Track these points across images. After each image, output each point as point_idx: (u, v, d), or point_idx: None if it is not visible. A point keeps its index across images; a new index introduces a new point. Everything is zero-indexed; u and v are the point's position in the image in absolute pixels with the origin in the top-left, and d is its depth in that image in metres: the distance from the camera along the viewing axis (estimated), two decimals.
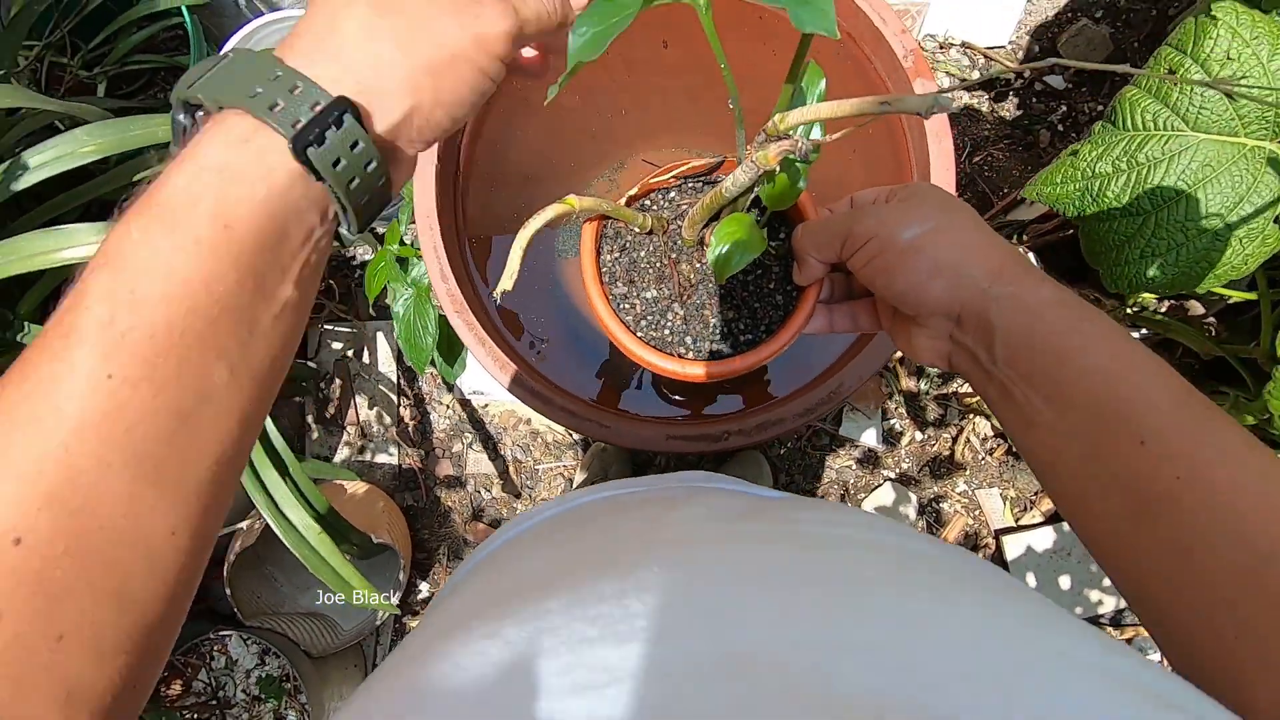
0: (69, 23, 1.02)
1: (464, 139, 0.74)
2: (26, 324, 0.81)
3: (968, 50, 1.29)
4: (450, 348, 0.93)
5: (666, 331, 0.48)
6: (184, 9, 1.04)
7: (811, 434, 1.25)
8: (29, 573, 0.20)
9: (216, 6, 1.14)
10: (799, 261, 0.43)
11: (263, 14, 1.13)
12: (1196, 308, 0.87)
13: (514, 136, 0.81)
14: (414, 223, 1.09)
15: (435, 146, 0.70)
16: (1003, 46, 1.29)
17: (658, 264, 0.48)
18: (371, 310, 1.30)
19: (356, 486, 1.16)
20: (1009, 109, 1.30)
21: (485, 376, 1.26)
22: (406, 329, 0.85)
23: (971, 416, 1.23)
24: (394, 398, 1.27)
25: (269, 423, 0.83)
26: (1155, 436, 0.29)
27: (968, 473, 1.23)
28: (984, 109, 1.30)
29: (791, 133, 0.35)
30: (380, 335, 1.28)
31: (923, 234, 0.35)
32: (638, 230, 0.49)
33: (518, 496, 1.27)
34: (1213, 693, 0.19)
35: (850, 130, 0.37)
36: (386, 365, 1.28)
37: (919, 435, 1.24)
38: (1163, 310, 0.86)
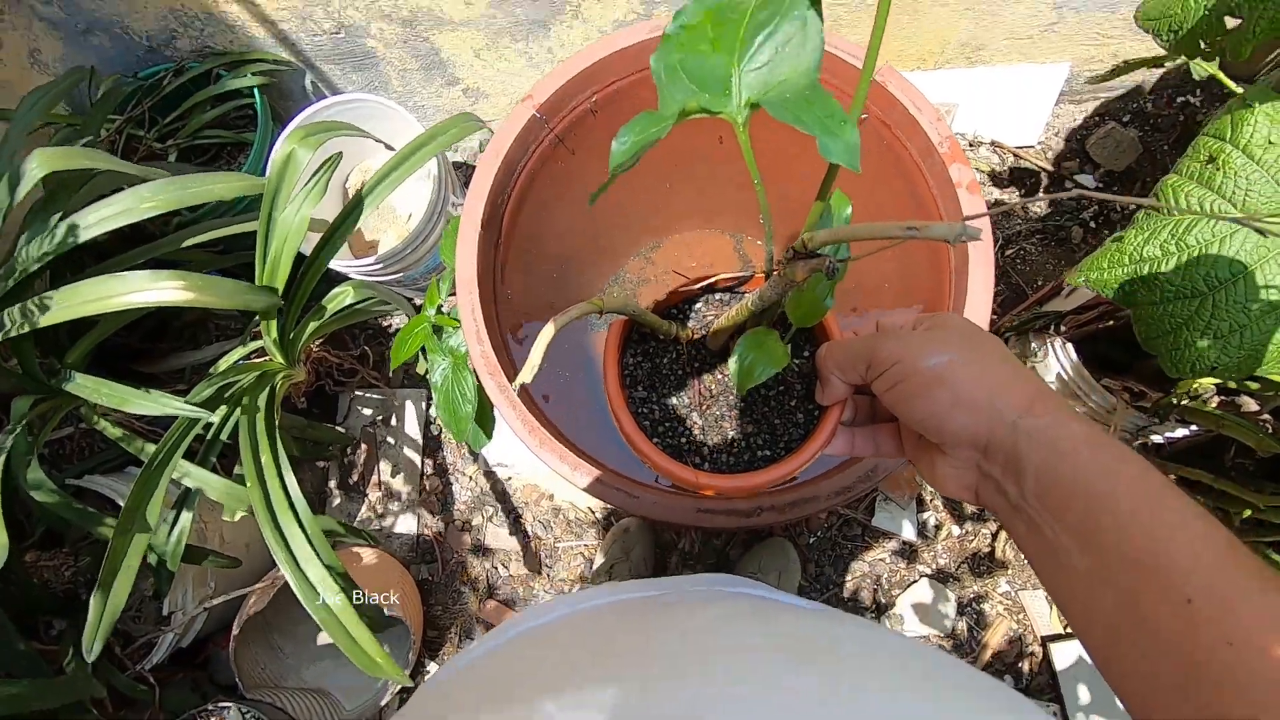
0: (151, 99, 1.10)
1: (507, 209, 0.76)
2: (73, 373, 0.83)
3: (997, 149, 1.33)
4: (482, 415, 0.92)
5: (683, 440, 0.47)
6: (255, 90, 1.12)
7: (843, 523, 1.20)
8: None
9: (284, 89, 1.23)
10: (822, 380, 0.43)
11: (325, 97, 1.21)
12: (1250, 404, 0.84)
13: (554, 214, 0.84)
14: (453, 294, 1.11)
15: (480, 215, 0.72)
16: (1031, 146, 1.33)
17: (680, 372, 0.48)
18: (403, 378, 1.31)
19: (372, 555, 1.14)
20: (1040, 205, 1.31)
21: (510, 448, 1.25)
22: (445, 398, 0.85)
23: None
24: (418, 465, 1.26)
25: (291, 478, 0.82)
26: (1203, 595, 0.27)
27: (1010, 572, 1.16)
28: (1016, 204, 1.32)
29: (820, 251, 0.35)
30: (409, 403, 1.29)
31: (948, 363, 0.35)
32: (663, 336, 0.48)
33: (537, 573, 1.22)
34: None
35: (877, 250, 0.37)
36: (413, 433, 1.28)
37: (956, 530, 1.19)
38: (1212, 404, 0.83)
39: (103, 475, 1.00)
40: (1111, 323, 0.98)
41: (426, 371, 0.91)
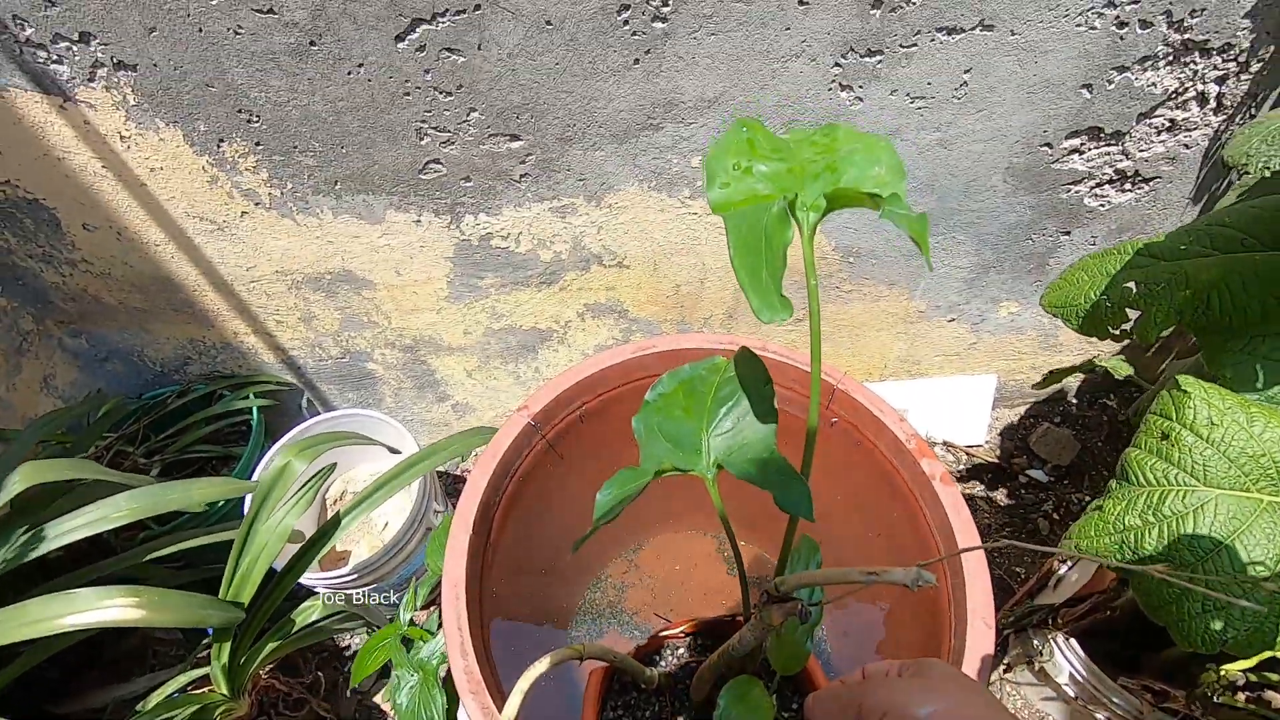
0: (149, 418, 1.15)
1: (498, 511, 0.77)
2: None
3: (950, 448, 1.43)
4: None
5: None
6: (254, 409, 1.19)
7: None
8: None
9: (283, 408, 1.30)
10: None
11: (319, 412, 1.27)
12: (1277, 698, 0.79)
13: (542, 518, 0.84)
14: (428, 605, 1.05)
15: (472, 519, 0.72)
16: (980, 445, 1.43)
17: None
18: (355, 710, 1.16)
19: None
20: (1002, 497, 1.37)
21: None
22: None
23: None
24: None
25: None
26: None
27: None
28: (979, 496, 1.37)
29: (793, 595, 0.37)
30: None
31: (937, 712, 0.35)
32: (644, 685, 0.48)
33: None
34: None
35: (845, 596, 0.39)
36: None
37: None
38: (1241, 699, 0.78)
39: None
40: (1109, 613, 0.96)
41: (389, 698, 0.81)
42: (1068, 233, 1.05)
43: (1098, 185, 0.98)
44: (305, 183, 0.92)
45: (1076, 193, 0.99)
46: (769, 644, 0.43)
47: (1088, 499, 1.37)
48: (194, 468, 1.20)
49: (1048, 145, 0.92)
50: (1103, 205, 1.01)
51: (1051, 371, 0.97)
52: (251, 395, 1.18)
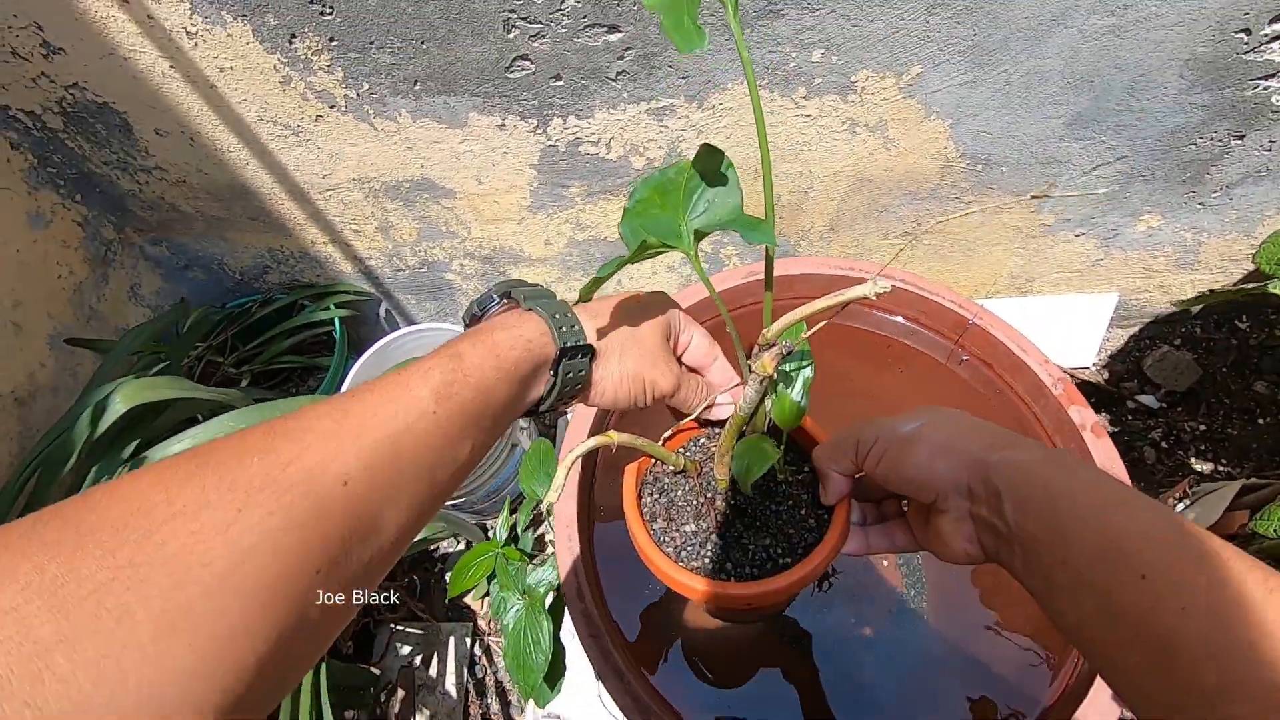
0: (235, 328, 1.14)
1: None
2: None
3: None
4: (554, 667, 0.83)
5: (707, 560, 0.49)
6: (336, 320, 1.17)
7: None
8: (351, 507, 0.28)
9: (362, 318, 1.28)
10: (822, 479, 0.48)
11: (400, 327, 1.25)
12: None
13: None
14: (519, 516, 1.06)
15: (576, 475, 0.69)
16: (1087, 368, 1.34)
17: (695, 501, 0.52)
18: (446, 610, 1.21)
19: None
20: (1104, 424, 1.29)
21: (569, 698, 1.11)
22: (516, 645, 0.77)
23: None
24: (459, 714, 1.12)
25: None
26: (1154, 569, 0.29)
27: None
28: None
29: (779, 340, 0.41)
30: (452, 640, 1.18)
31: (920, 426, 0.41)
32: (673, 470, 0.53)
33: None
34: None
35: (823, 325, 0.44)
36: (455, 675, 1.15)
37: None
38: None
39: None
40: None
41: (491, 605, 0.83)
42: (1241, 137, 0.91)
43: None
44: (383, 83, 0.84)
45: (1265, 90, 0.84)
46: (771, 406, 0.48)
47: (1202, 428, 1.28)
48: (281, 377, 1.21)
49: (1245, 31, 0.77)
50: None
51: (1211, 291, 0.86)
52: (332, 306, 1.16)
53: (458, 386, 0.35)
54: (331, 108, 0.88)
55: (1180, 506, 1.07)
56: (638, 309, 0.46)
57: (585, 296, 0.40)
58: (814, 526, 0.50)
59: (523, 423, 1.13)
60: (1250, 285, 0.84)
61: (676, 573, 0.48)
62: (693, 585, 0.47)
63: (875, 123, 0.89)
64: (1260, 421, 1.23)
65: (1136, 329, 1.35)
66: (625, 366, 0.44)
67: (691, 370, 0.51)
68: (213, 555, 0.23)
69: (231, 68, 0.83)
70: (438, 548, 1.27)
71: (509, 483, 1.14)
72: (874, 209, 1.04)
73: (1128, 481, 0.66)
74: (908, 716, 0.67)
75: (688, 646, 0.71)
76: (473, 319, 0.44)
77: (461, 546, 1.27)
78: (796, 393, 0.50)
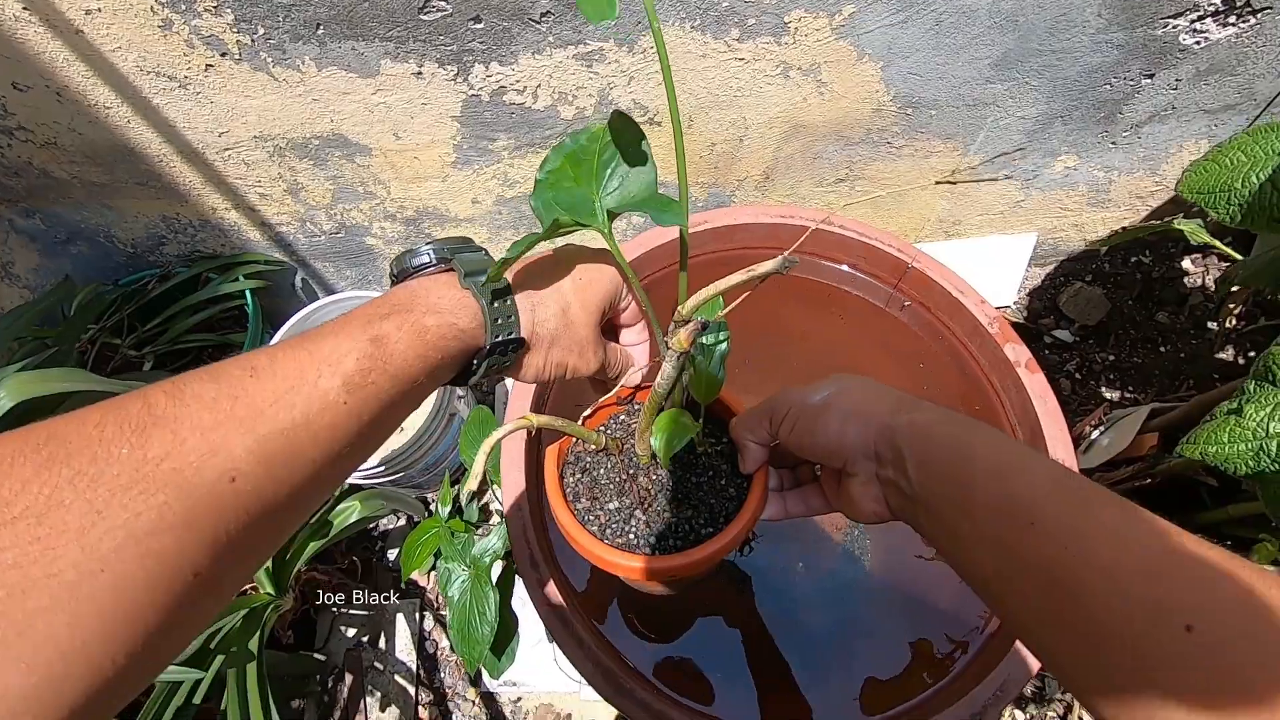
0: (131, 306, 1.04)
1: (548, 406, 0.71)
2: None
3: None
4: (501, 638, 0.81)
5: (632, 536, 0.50)
6: (248, 292, 1.08)
7: None
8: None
9: (275, 289, 1.19)
10: (740, 449, 0.49)
11: (319, 297, 1.17)
12: None
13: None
14: (465, 485, 1.03)
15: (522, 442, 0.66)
16: (1007, 306, 1.39)
17: (618, 479, 0.52)
18: (394, 590, 1.17)
19: None
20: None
21: (521, 664, 1.10)
22: (460, 617, 0.74)
23: None
24: (411, 693, 1.09)
25: None
26: (1041, 515, 0.30)
27: None
28: None
29: (694, 316, 0.41)
30: (399, 618, 1.14)
31: (829, 395, 0.43)
32: (594, 449, 0.53)
33: None
34: None
35: (740, 301, 0.43)
36: (405, 653, 1.12)
37: (1020, 715, 1.08)
38: None
39: None
40: (1149, 481, 0.97)
41: (440, 579, 0.80)
42: (1151, 75, 0.94)
43: (1200, 18, 0.86)
44: (280, 26, 0.76)
45: (1174, 28, 0.87)
46: (689, 380, 0.48)
47: (1111, 358, 1.36)
48: (189, 358, 1.12)
49: None
50: (1199, 43, 0.89)
51: (1123, 228, 0.90)
52: (241, 277, 1.07)
53: (375, 375, 0.32)
54: (223, 55, 0.79)
55: (1096, 433, 1.14)
56: (579, 286, 0.43)
57: (495, 277, 0.37)
58: (734, 495, 0.51)
59: (460, 391, 1.09)
60: (1157, 222, 0.88)
61: (602, 550, 0.48)
62: (618, 562, 0.47)
63: (809, 65, 0.88)
64: (1162, 349, 1.32)
65: (1052, 267, 1.41)
66: (552, 356, 0.43)
67: (625, 326, 0.50)
68: (62, 563, 0.20)
69: (100, 9, 0.73)
70: (377, 525, 1.22)
71: (448, 453, 1.10)
72: (808, 155, 1.03)
73: (1060, 413, 0.69)
74: (852, 650, 0.69)
75: (632, 606, 0.70)
76: (401, 273, 0.41)
77: (402, 522, 1.23)
78: (714, 366, 0.50)
